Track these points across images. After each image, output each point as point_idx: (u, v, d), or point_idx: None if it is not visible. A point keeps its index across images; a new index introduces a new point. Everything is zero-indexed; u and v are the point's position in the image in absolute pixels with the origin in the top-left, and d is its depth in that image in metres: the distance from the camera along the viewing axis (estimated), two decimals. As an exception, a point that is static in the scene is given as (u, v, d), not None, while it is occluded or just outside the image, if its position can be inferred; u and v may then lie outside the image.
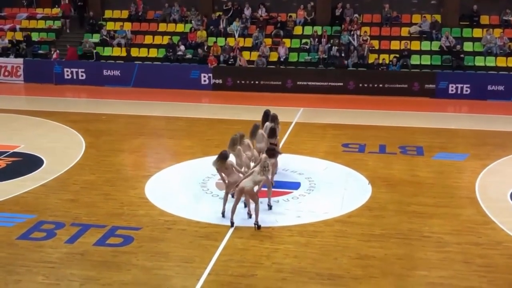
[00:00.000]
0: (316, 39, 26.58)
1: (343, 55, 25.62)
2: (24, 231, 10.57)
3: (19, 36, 29.27)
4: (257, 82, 25.48)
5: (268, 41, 27.12)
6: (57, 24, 30.34)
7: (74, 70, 26.93)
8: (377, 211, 11.71)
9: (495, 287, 8.86)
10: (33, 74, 27.31)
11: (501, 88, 23.99)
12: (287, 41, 26.94)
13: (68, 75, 26.96)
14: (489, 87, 24.06)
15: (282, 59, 26.07)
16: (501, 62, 25.24)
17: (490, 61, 25.35)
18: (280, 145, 16.13)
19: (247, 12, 28.56)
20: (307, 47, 26.74)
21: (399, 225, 10.99)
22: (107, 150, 16.04)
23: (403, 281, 8.95)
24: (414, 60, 25.69)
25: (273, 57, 26.44)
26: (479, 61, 25.44)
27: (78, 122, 19.21)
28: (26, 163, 14.73)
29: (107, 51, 28.11)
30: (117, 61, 27.29)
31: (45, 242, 10.11)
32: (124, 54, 27.84)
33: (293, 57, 26.60)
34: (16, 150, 15.86)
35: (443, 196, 12.60)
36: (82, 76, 26.94)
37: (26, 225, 10.83)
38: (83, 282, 8.83)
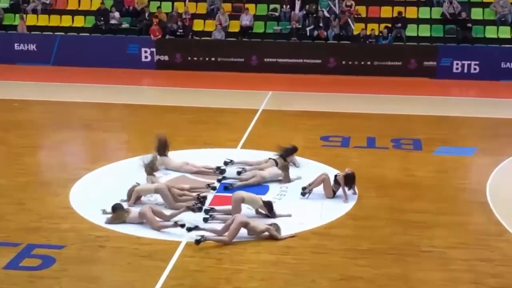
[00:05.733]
0: (288, 5, 26.68)
1: (321, 24, 25.77)
2: None
3: None
4: (213, 59, 25.49)
5: (228, 7, 27.11)
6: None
7: (-24, 44, 26.56)
8: (364, 220, 11.82)
9: (511, 314, 9.06)
10: None
11: (517, 66, 24.51)
12: (251, 7, 26.96)
13: (-33, 51, 26.53)
14: (502, 65, 24.53)
15: (245, 30, 26.11)
16: (517, 33, 25.76)
17: (504, 32, 25.77)
18: (244, 138, 16.17)
19: (201, -31, 28.51)
20: (277, 14, 26.82)
21: (391, 237, 11.11)
22: (20, 147, 15.87)
23: (397, 307, 9.08)
24: (410, 31, 25.98)
25: (234, 27, 26.43)
26: (491, 32, 25.85)
27: (-18, 110, 18.98)
28: None
29: (19, 20, 27.68)
30: (33, 32, 26.96)
31: None
32: (41, 23, 27.49)
33: (259, 27, 26.65)
34: None
35: (446, 201, 12.77)
36: (-14, 51, 26.57)
37: None
38: (-10, 317, 8.73)
